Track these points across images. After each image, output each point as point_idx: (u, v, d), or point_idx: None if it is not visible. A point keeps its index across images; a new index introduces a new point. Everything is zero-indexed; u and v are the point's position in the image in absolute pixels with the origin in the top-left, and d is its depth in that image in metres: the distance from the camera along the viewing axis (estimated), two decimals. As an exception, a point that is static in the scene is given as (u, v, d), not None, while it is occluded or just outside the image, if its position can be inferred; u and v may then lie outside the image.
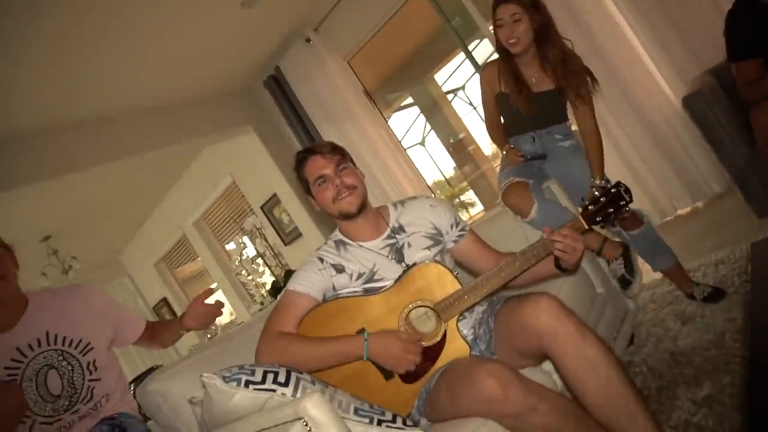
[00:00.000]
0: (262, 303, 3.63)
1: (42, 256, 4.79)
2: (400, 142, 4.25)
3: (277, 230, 4.85)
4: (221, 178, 5.14)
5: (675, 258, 2.10)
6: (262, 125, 4.56)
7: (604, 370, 1.18)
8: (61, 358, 1.52)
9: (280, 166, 4.49)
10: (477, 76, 4.55)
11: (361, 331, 1.38)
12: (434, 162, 7.44)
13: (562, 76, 1.96)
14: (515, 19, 1.91)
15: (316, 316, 1.42)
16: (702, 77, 2.47)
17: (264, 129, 4.56)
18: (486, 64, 2.19)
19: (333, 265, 1.49)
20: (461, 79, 6.90)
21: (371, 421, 1.15)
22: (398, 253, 1.51)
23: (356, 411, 1.16)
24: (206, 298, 1.74)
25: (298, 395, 1.13)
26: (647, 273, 2.54)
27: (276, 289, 3.46)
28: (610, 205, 1.33)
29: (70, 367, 1.54)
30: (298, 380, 1.17)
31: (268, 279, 3.74)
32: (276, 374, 1.16)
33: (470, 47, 4.14)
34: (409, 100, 6.71)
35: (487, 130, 2.26)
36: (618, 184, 1.34)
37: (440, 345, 1.37)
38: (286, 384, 1.15)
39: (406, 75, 6.08)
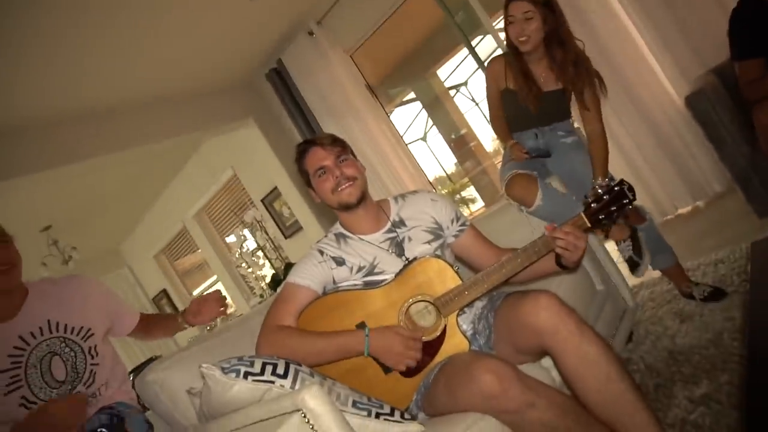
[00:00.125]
0: (261, 296, 3.63)
1: (42, 246, 4.79)
2: (401, 137, 4.24)
3: (278, 223, 4.85)
4: (222, 171, 5.13)
5: (675, 257, 2.10)
6: (264, 118, 4.55)
7: (604, 367, 1.18)
8: (63, 344, 1.54)
9: (281, 159, 4.48)
10: (480, 72, 4.54)
11: (362, 325, 1.38)
12: (435, 158, 7.43)
13: (572, 78, 1.95)
14: (527, 17, 1.89)
15: (316, 309, 1.41)
16: (705, 76, 2.46)
17: (265, 122, 4.55)
18: (493, 59, 2.17)
19: (333, 258, 1.49)
20: (464, 75, 6.89)
21: (369, 414, 1.15)
22: (398, 247, 1.51)
23: (355, 404, 1.16)
24: (213, 301, 1.81)
25: (297, 387, 1.13)
26: (646, 272, 2.54)
27: (276, 281, 3.46)
28: (613, 203, 1.32)
29: (73, 354, 1.56)
30: (297, 372, 1.17)
31: (268, 272, 3.75)
32: (275, 366, 1.16)
33: (473, 43, 4.13)
34: (412, 95, 6.70)
35: (491, 122, 2.26)
36: (621, 182, 1.33)
37: (440, 340, 1.37)
38: (284, 376, 1.15)
39: (408, 70, 6.06)
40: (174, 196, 5.68)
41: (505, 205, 2.15)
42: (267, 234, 3.75)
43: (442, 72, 6.59)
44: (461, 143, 6.86)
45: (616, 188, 1.32)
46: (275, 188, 4.74)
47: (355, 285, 1.47)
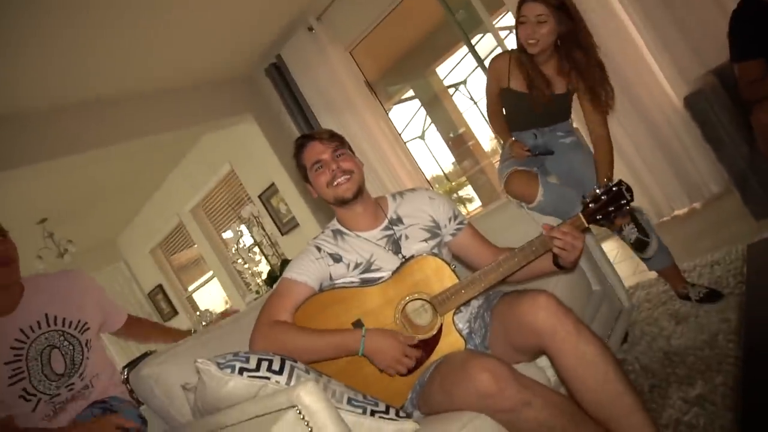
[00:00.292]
0: (257, 292, 3.63)
1: (38, 239, 4.77)
2: (399, 134, 4.24)
3: (275, 219, 4.85)
4: (220, 166, 5.12)
5: (671, 258, 2.10)
6: (262, 114, 4.54)
7: (602, 367, 1.18)
8: (62, 338, 1.57)
9: (279, 155, 4.47)
10: (479, 71, 4.53)
11: (358, 323, 1.38)
12: (433, 156, 7.44)
13: (586, 82, 1.92)
14: (540, 20, 1.85)
15: (313, 305, 1.41)
16: (704, 77, 2.47)
17: (264, 117, 4.54)
18: (497, 56, 2.14)
19: (330, 255, 1.48)
20: (463, 74, 6.89)
21: (364, 412, 1.15)
22: (395, 245, 1.51)
23: (350, 401, 1.16)
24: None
25: (292, 383, 1.13)
26: (642, 273, 2.54)
27: (272, 278, 3.45)
28: (611, 203, 1.32)
29: (71, 347, 1.59)
30: (292, 368, 1.17)
31: (264, 268, 3.74)
32: (270, 362, 1.16)
33: (473, 41, 4.13)
34: (410, 92, 6.70)
35: (488, 118, 2.24)
36: (619, 183, 1.33)
37: (435, 338, 1.37)
38: (280, 372, 1.14)
39: (407, 67, 6.06)
40: (171, 191, 5.66)
41: (502, 204, 2.15)
42: (264, 230, 3.74)
43: (442, 70, 6.60)
44: (459, 142, 6.86)
45: (614, 188, 1.32)
46: (272, 184, 4.73)
47: (352, 282, 1.46)
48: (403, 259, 1.46)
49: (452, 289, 1.37)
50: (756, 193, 2.23)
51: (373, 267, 1.47)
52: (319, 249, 1.50)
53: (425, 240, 1.53)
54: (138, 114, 3.73)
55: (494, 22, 3.63)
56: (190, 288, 6.70)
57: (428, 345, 1.37)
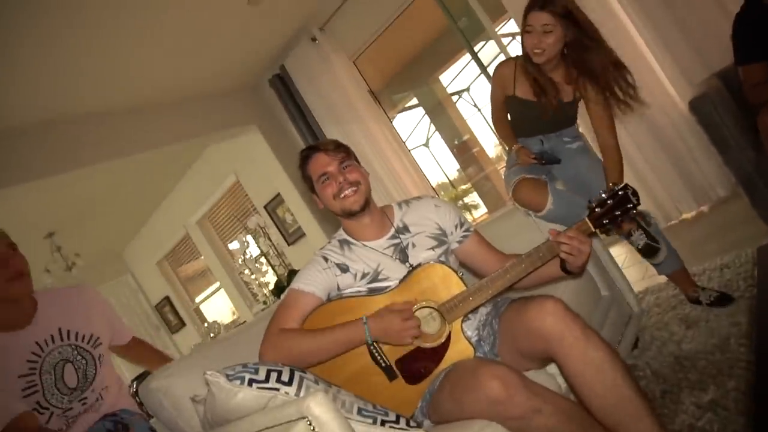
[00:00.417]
0: (264, 302, 3.63)
1: (45, 253, 4.80)
2: (404, 142, 4.25)
3: (281, 230, 4.86)
4: (225, 177, 5.15)
5: (681, 261, 2.09)
6: (267, 124, 4.57)
7: (610, 373, 1.17)
8: (75, 352, 1.59)
9: (284, 165, 4.50)
10: (482, 78, 4.55)
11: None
12: (438, 164, 7.45)
13: (601, 84, 1.89)
14: (546, 30, 1.83)
15: (321, 316, 1.42)
16: (708, 80, 2.46)
17: (268, 128, 4.57)
18: (502, 63, 2.12)
19: (337, 265, 1.49)
20: (466, 81, 6.92)
21: (375, 422, 1.15)
22: (402, 253, 1.51)
23: (360, 411, 1.16)
24: None
25: (302, 394, 1.13)
26: (651, 277, 2.53)
27: (279, 288, 3.46)
28: (617, 207, 1.32)
29: (84, 361, 1.60)
30: (301, 379, 1.17)
31: (271, 278, 3.75)
32: (279, 373, 1.16)
33: (476, 48, 4.14)
34: (414, 100, 6.72)
35: (493, 124, 2.23)
36: (625, 187, 1.33)
37: (444, 346, 1.37)
38: (289, 383, 1.15)
39: (411, 75, 6.09)
40: (177, 203, 5.70)
41: (508, 211, 2.15)
42: (270, 240, 3.76)
43: (445, 78, 6.62)
44: (464, 149, 6.87)
45: (620, 193, 1.32)
46: (278, 195, 4.75)
47: (360, 291, 1.47)
48: (410, 268, 1.47)
49: (460, 297, 1.37)
50: (765, 196, 2.21)
51: (380, 276, 1.47)
52: (326, 259, 1.50)
53: (432, 248, 1.54)
54: (142, 127, 3.76)
55: (497, 29, 3.64)
56: (197, 299, 6.71)
57: (437, 353, 1.37)
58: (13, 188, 3.15)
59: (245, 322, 3.47)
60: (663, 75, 2.99)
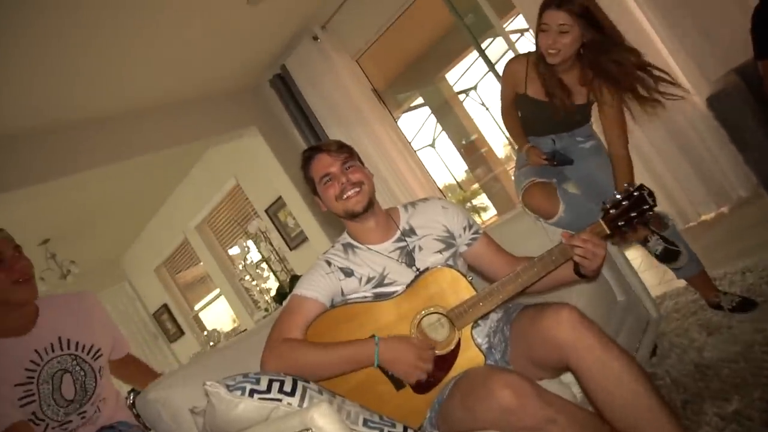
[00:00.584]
0: (266, 309, 3.63)
1: (40, 260, 4.82)
2: (409, 143, 4.25)
3: (282, 234, 4.87)
4: (225, 181, 5.17)
5: (700, 265, 2.07)
6: (268, 126, 4.58)
7: (630, 383, 1.16)
8: (75, 363, 1.58)
9: (286, 168, 4.50)
10: (490, 76, 4.55)
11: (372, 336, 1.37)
12: (445, 165, 7.44)
13: (619, 91, 1.85)
14: (562, 30, 1.79)
15: (325, 322, 1.41)
16: (727, 76, 2.45)
17: (269, 130, 4.58)
18: (514, 59, 2.09)
19: (341, 269, 1.48)
20: (474, 79, 6.92)
21: (381, 433, 1.14)
22: (409, 257, 1.51)
23: (365, 422, 1.15)
24: None
25: (305, 405, 1.12)
26: (670, 281, 2.51)
27: (281, 294, 3.46)
28: (632, 209, 1.31)
29: (83, 372, 1.60)
30: (304, 389, 1.16)
31: (272, 285, 3.75)
32: (282, 383, 1.15)
33: (483, 45, 4.14)
34: (420, 100, 6.72)
35: (503, 121, 2.21)
36: (641, 187, 1.32)
37: (454, 354, 1.36)
38: (292, 393, 1.14)
39: (416, 74, 6.09)
40: (175, 208, 5.72)
41: (519, 213, 2.14)
42: (271, 245, 3.76)
43: (451, 76, 6.63)
44: (472, 149, 6.87)
45: (635, 193, 1.31)
46: (279, 198, 4.75)
47: (365, 297, 1.46)
48: (417, 272, 1.46)
49: (469, 302, 1.36)
50: (787, 195, 2.20)
51: (386, 281, 1.47)
52: (329, 263, 1.50)
53: (440, 251, 1.53)
54: (139, 130, 3.78)
55: (504, 26, 3.64)
56: (197, 307, 6.73)
57: (446, 361, 1.36)
58: (7, 194, 3.17)
59: (246, 330, 3.47)
60: (679, 71, 2.98)
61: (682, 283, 2.28)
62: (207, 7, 3.19)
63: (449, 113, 6.80)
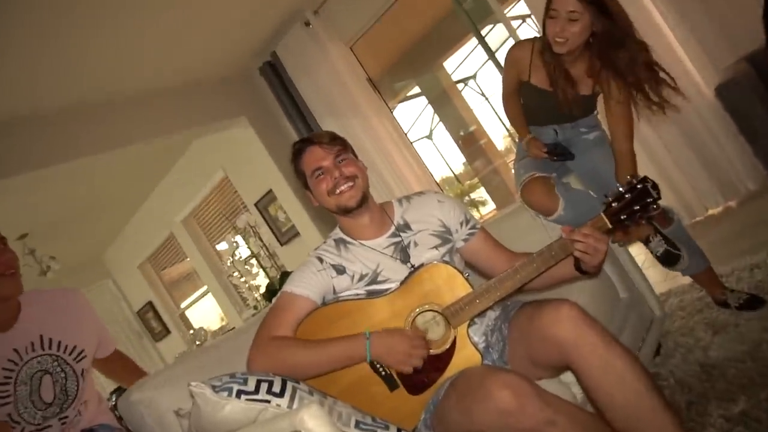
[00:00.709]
0: (255, 307, 3.62)
1: (18, 256, 4.80)
2: (405, 134, 4.25)
3: (273, 229, 4.86)
4: (212, 173, 5.15)
5: (707, 261, 2.08)
6: (257, 115, 4.57)
7: (632, 382, 1.16)
8: (56, 364, 1.56)
9: (276, 160, 4.49)
10: (490, 64, 4.54)
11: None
12: (442, 157, 7.45)
13: (628, 83, 1.83)
14: (571, 18, 1.76)
15: (315, 320, 1.41)
16: (736, 65, 2.46)
17: (259, 120, 4.56)
18: (518, 44, 2.06)
19: (333, 266, 1.48)
20: (473, 67, 6.91)
21: (374, 436, 1.14)
22: (403, 253, 1.51)
23: (357, 424, 1.15)
24: None
25: (295, 406, 1.13)
26: (675, 278, 2.52)
27: (271, 292, 3.45)
28: (635, 202, 1.31)
29: (63, 375, 1.57)
30: (294, 390, 1.16)
31: (262, 281, 3.74)
32: (270, 384, 1.15)
33: (483, 32, 4.14)
34: (416, 89, 6.72)
35: (504, 108, 2.19)
36: (644, 179, 1.31)
37: (449, 353, 1.36)
38: (281, 394, 1.14)
39: (413, 62, 6.08)
40: (160, 201, 5.70)
41: (518, 208, 2.14)
42: (261, 241, 3.74)
43: (450, 64, 6.62)
44: (470, 141, 6.87)
45: (638, 186, 1.31)
46: (270, 191, 4.75)
47: (358, 294, 1.46)
48: (412, 268, 1.46)
49: (466, 299, 1.36)
50: (798, 189, 2.21)
51: (379, 278, 1.47)
52: (321, 260, 1.50)
53: (435, 247, 1.53)
54: (123, 120, 3.76)
55: (505, 12, 3.64)
56: (183, 305, 6.72)
57: (442, 360, 1.36)
58: (-18, 186, 3.15)
59: (234, 328, 3.47)
60: (687, 59, 2.98)
61: (688, 280, 2.29)
62: (193, -10, 3.18)
63: (447, 103, 6.79)
